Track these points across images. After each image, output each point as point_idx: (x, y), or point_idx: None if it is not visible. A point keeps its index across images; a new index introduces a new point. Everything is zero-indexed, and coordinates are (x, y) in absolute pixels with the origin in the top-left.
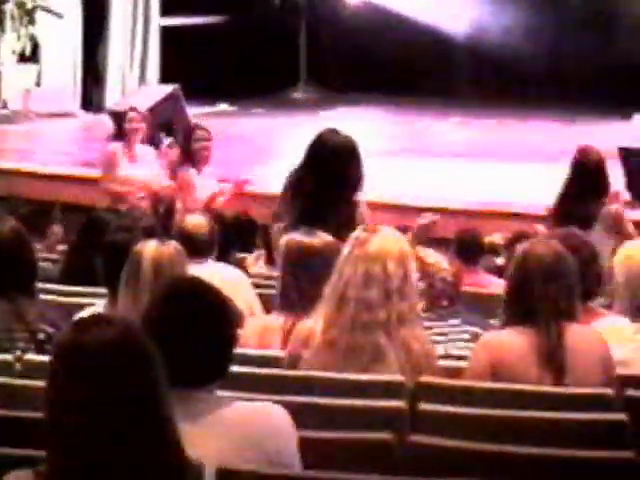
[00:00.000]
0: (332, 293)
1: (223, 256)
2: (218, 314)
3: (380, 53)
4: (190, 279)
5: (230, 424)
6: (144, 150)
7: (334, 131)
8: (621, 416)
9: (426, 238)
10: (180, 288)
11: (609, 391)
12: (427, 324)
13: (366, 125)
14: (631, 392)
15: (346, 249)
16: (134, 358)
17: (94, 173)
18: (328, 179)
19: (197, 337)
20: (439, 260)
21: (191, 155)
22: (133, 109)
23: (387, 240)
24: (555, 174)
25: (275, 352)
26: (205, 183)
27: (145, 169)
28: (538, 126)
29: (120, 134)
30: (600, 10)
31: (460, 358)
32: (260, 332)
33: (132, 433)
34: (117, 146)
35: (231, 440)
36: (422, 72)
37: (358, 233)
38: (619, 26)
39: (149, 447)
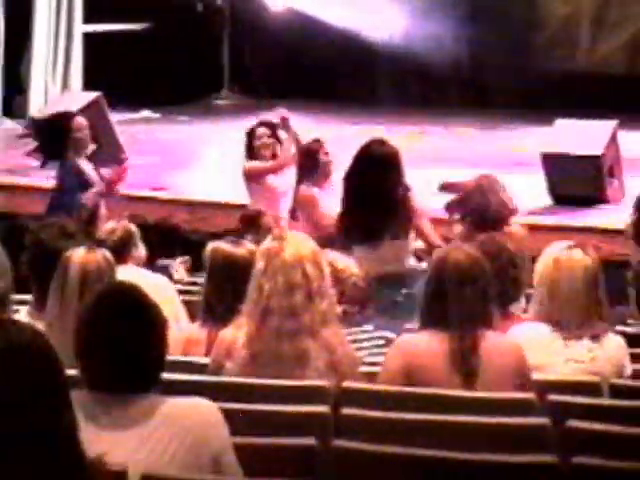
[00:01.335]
0: (254, 307)
1: (146, 262)
2: (153, 319)
3: (303, 59)
4: (123, 285)
5: (172, 423)
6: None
7: (379, 141)
8: (543, 420)
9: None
10: (115, 294)
11: (531, 396)
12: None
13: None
14: (553, 397)
15: (260, 262)
16: (33, 363)
17: (19, 181)
18: (372, 186)
19: (132, 342)
20: (349, 264)
21: (310, 171)
22: (262, 124)
23: (300, 245)
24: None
25: (199, 359)
26: (329, 198)
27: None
28: (460, 132)
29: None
30: (520, 16)
31: (375, 364)
32: (184, 344)
33: (28, 439)
34: (315, 190)
35: (173, 438)
36: (345, 79)
37: (268, 244)
38: (539, 32)
39: (47, 455)
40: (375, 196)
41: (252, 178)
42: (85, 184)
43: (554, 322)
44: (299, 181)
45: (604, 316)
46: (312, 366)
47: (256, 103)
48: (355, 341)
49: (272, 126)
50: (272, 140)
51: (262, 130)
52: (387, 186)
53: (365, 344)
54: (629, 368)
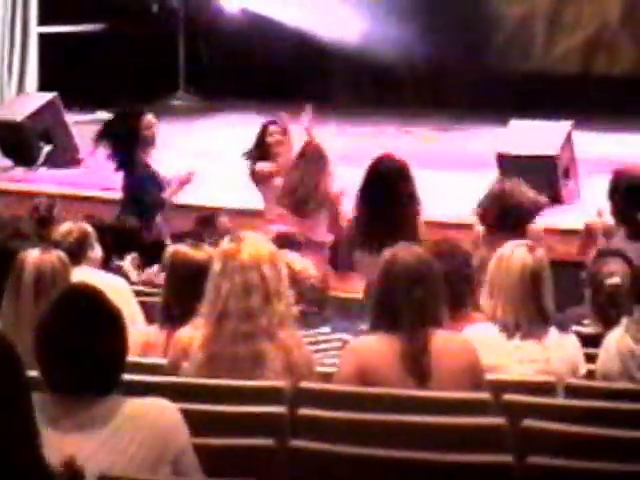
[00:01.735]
0: (212, 309)
1: (103, 263)
2: (113, 321)
3: (258, 60)
4: (83, 287)
5: (133, 424)
6: None
7: (387, 156)
8: (499, 420)
9: None
10: (75, 296)
11: (486, 395)
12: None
13: (245, 132)
14: (508, 397)
15: (218, 264)
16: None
17: None
18: (379, 199)
19: (93, 344)
20: (306, 266)
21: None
22: (272, 122)
23: (257, 246)
24: (430, 180)
25: (156, 360)
26: None
27: None
28: (415, 132)
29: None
30: (475, 16)
31: (333, 366)
32: (142, 346)
33: None
34: None
35: (134, 439)
36: (299, 79)
37: (226, 245)
38: (494, 32)
39: (5, 458)
40: (388, 210)
41: (260, 181)
42: (156, 183)
43: (498, 321)
44: (322, 179)
45: (548, 316)
46: (269, 367)
47: (212, 104)
48: (312, 343)
49: (284, 125)
50: (283, 138)
51: (274, 127)
52: (400, 200)
53: (323, 346)
54: (583, 368)
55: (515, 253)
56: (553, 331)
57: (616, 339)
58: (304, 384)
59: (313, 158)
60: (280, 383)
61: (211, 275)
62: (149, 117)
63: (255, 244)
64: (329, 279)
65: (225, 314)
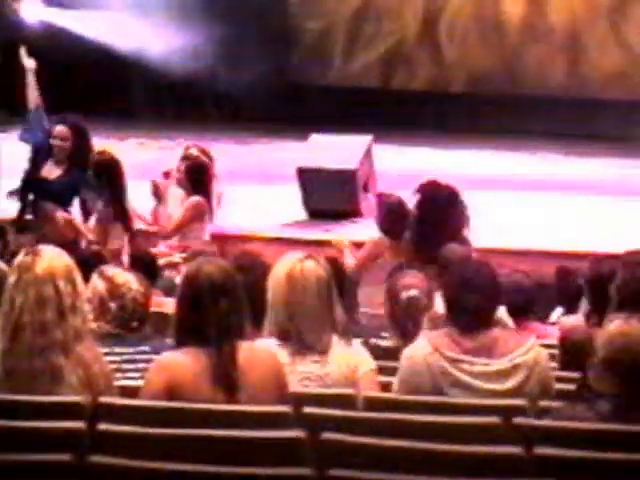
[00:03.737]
0: (6, 322)
1: None
2: None
3: (58, 74)
4: None
5: None
6: None
7: (434, 182)
8: (299, 433)
9: None
10: None
11: (287, 408)
12: (117, 350)
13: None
14: (308, 409)
15: (12, 276)
16: None
17: None
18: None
19: None
20: (129, 279)
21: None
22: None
23: (53, 259)
24: (233, 194)
25: None
26: None
27: None
28: (216, 146)
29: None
30: (275, 31)
31: None
32: None
33: None
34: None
35: None
36: (101, 93)
37: (22, 258)
38: (293, 46)
39: None
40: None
41: None
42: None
43: (287, 337)
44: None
45: (336, 327)
46: (66, 382)
47: (17, 118)
48: (129, 361)
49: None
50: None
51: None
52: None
53: (141, 365)
54: (363, 370)
55: (306, 268)
56: (335, 344)
57: (424, 355)
58: (104, 399)
59: (111, 166)
60: (78, 398)
61: (6, 288)
62: (59, 128)
63: (51, 258)
64: (152, 294)
65: (20, 327)
